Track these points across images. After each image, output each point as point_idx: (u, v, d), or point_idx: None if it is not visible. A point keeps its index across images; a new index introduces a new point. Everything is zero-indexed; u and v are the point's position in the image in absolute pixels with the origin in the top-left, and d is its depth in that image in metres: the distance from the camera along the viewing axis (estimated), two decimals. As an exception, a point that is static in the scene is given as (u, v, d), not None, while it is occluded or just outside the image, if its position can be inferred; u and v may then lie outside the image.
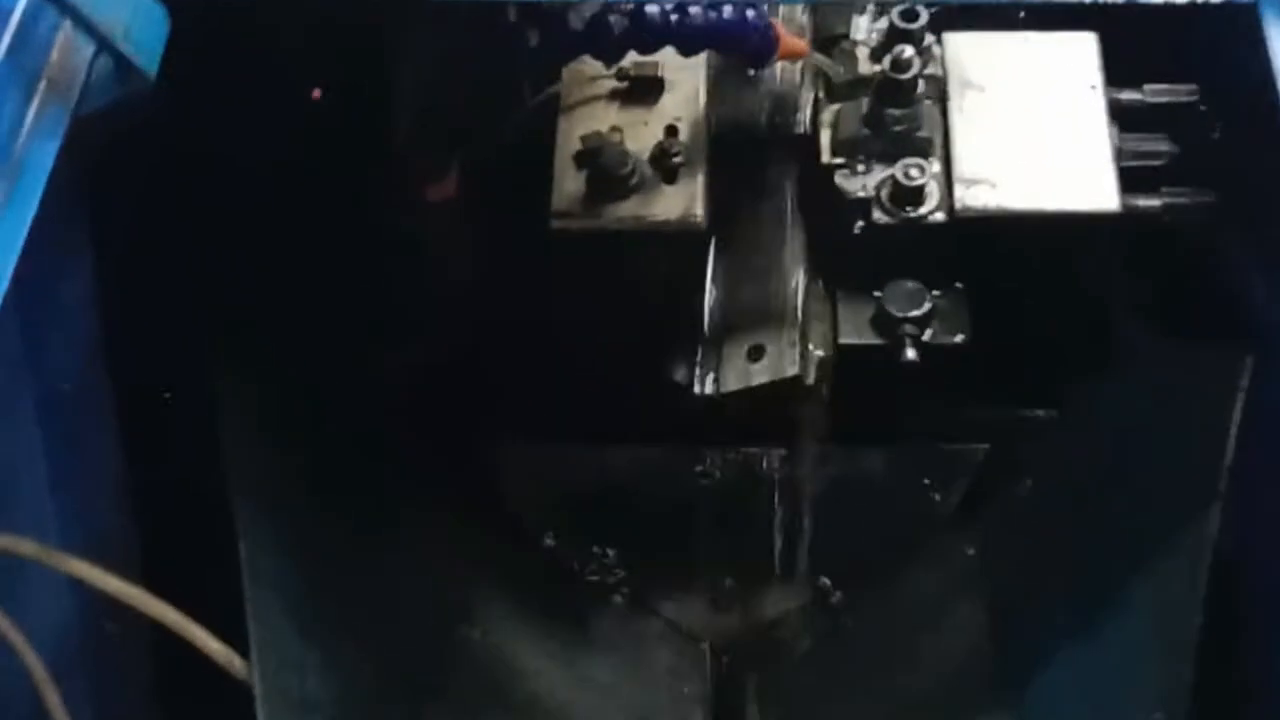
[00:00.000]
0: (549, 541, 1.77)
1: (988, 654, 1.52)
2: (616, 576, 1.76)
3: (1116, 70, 1.66)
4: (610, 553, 1.77)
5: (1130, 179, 1.60)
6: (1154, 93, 1.66)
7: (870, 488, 1.78)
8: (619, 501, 1.79)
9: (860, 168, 1.62)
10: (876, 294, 1.62)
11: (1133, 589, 1.30)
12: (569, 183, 1.53)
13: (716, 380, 1.64)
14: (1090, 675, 1.34)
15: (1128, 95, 1.66)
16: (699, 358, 1.65)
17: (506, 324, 1.67)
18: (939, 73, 1.65)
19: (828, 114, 1.67)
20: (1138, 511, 1.36)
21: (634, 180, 1.51)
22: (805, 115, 1.69)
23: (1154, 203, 1.62)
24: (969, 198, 1.58)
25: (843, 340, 1.63)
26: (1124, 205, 1.57)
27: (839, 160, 1.63)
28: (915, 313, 1.60)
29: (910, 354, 1.59)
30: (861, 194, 1.61)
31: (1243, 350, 1.30)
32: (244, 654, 1.19)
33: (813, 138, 1.65)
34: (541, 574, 1.74)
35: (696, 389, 1.64)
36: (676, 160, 1.52)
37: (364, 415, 1.58)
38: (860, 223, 1.61)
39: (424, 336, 1.68)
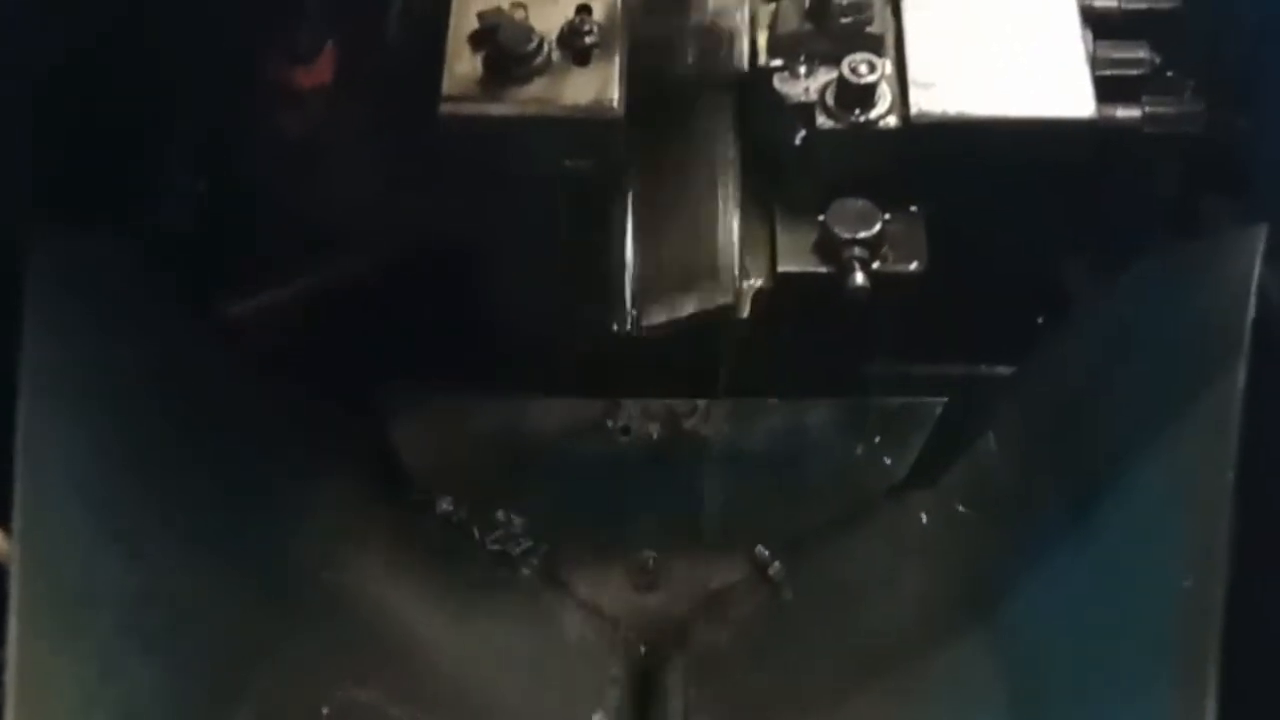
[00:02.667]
0: (445, 505, 1.54)
1: (954, 620, 1.30)
2: (522, 546, 1.53)
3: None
4: (515, 519, 1.54)
5: (1106, 89, 1.42)
6: (1132, -2, 1.50)
7: (813, 445, 1.58)
8: (525, 461, 1.57)
9: (802, 69, 1.42)
10: (821, 218, 1.42)
11: (1146, 465, 1.11)
12: (463, 64, 1.31)
13: (637, 313, 1.43)
14: (1089, 573, 1.14)
15: (1102, 1, 1.49)
16: (616, 286, 1.44)
17: (391, 244, 1.45)
18: (891, -34, 1.46)
19: (764, 13, 1.47)
20: (1148, 391, 1.17)
21: (539, 61, 1.30)
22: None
23: (1134, 113, 1.45)
24: (926, 101, 1.39)
25: (782, 268, 1.43)
26: (1100, 114, 1.39)
27: (777, 62, 1.44)
28: (865, 234, 1.40)
29: (859, 279, 1.39)
30: (803, 98, 1.41)
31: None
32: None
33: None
34: (433, 539, 1.50)
35: (614, 324, 1.43)
36: (589, 41, 1.31)
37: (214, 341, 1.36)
38: (802, 131, 1.41)
39: (290, 257, 1.46)
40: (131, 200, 1.34)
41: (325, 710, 1.19)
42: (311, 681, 1.21)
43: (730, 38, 1.48)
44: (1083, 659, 1.13)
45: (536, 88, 1.31)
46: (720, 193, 1.45)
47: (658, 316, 1.42)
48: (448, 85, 1.31)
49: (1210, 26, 1.47)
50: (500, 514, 1.54)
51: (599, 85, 1.31)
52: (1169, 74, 1.49)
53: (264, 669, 1.17)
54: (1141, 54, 1.48)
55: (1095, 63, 1.43)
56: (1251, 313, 1.04)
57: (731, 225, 1.44)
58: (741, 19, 1.48)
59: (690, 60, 1.49)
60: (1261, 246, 1.09)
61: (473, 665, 1.39)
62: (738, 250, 1.43)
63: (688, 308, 1.42)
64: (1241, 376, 1.02)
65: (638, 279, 1.44)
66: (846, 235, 1.40)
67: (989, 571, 1.31)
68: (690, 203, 1.45)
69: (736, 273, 1.42)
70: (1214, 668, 0.96)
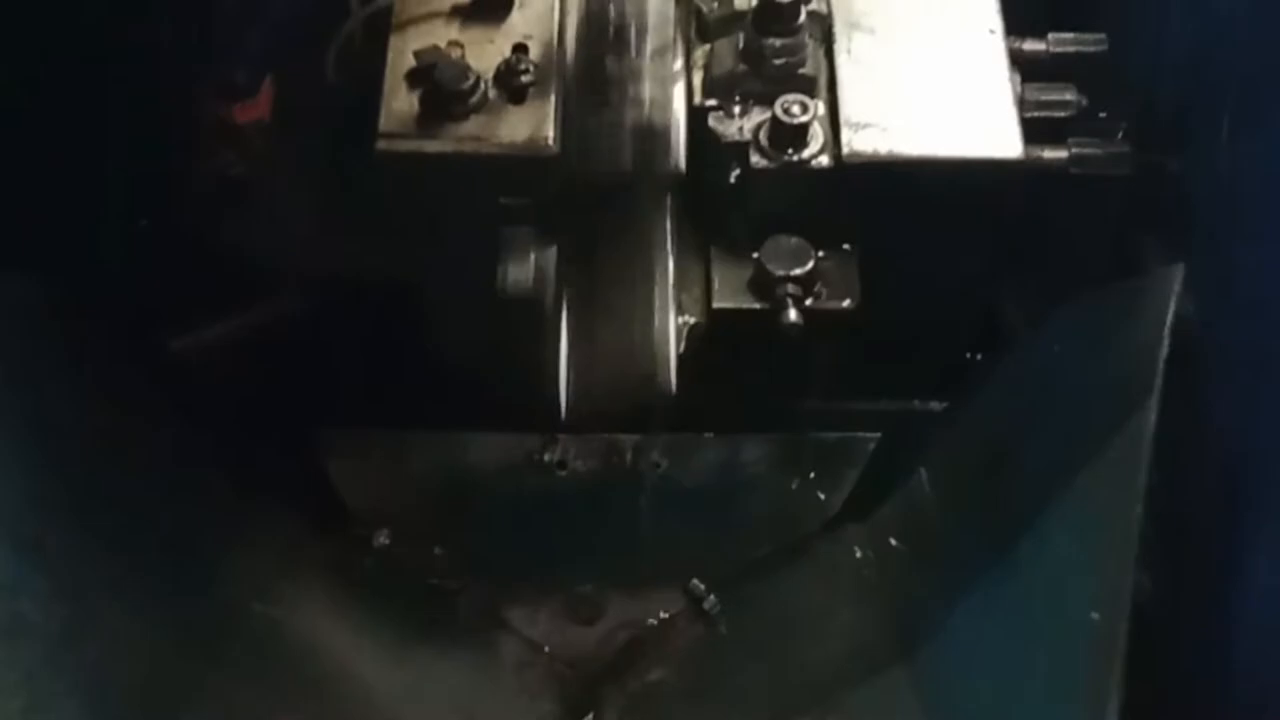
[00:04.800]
0: (382, 540, 1.54)
1: (883, 653, 1.31)
2: (460, 581, 1.54)
3: (1018, 18, 1.51)
4: (453, 554, 1.54)
5: (1034, 131, 1.45)
6: (1059, 42, 1.53)
7: (749, 480, 1.59)
8: (462, 495, 1.57)
9: (736, 109, 1.45)
10: (755, 255, 1.44)
11: (1060, 511, 1.12)
12: (399, 102, 1.32)
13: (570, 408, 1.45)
14: (1007, 608, 1.15)
15: (1030, 45, 1.52)
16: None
17: (329, 280, 1.46)
18: (823, 9, 1.48)
19: (699, 54, 1.49)
20: (1066, 435, 1.19)
21: (475, 99, 1.31)
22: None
23: (1060, 154, 1.48)
24: (857, 142, 1.41)
25: (717, 304, 1.45)
26: (1028, 155, 1.42)
27: (712, 102, 1.46)
28: (798, 271, 1.42)
29: (792, 315, 1.40)
30: (738, 137, 1.43)
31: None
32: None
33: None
34: (371, 574, 1.50)
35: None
36: (526, 79, 1.32)
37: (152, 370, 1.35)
38: (736, 170, 1.43)
39: (227, 294, 1.46)
40: (63, 238, 1.34)
41: (255, 747, 1.19)
42: (242, 718, 1.21)
43: (666, 134, 1.48)
44: (998, 700, 1.14)
45: (472, 125, 1.32)
46: (658, 291, 1.46)
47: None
48: (384, 122, 1.32)
49: (1140, 68, 1.50)
50: (437, 549, 1.54)
51: (535, 123, 1.32)
52: (1102, 115, 1.52)
53: (193, 706, 1.17)
54: (1069, 96, 1.51)
55: (1023, 104, 1.46)
56: (1165, 351, 1.06)
57: (667, 327, 1.45)
58: (678, 117, 1.47)
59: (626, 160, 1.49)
60: (1178, 287, 1.11)
61: (408, 701, 1.39)
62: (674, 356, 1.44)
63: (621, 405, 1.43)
64: (1152, 418, 1.04)
65: (572, 381, 1.44)
66: (780, 272, 1.42)
67: (917, 608, 1.32)
68: (626, 303, 1.46)
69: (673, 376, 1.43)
70: (1117, 704, 0.98)
